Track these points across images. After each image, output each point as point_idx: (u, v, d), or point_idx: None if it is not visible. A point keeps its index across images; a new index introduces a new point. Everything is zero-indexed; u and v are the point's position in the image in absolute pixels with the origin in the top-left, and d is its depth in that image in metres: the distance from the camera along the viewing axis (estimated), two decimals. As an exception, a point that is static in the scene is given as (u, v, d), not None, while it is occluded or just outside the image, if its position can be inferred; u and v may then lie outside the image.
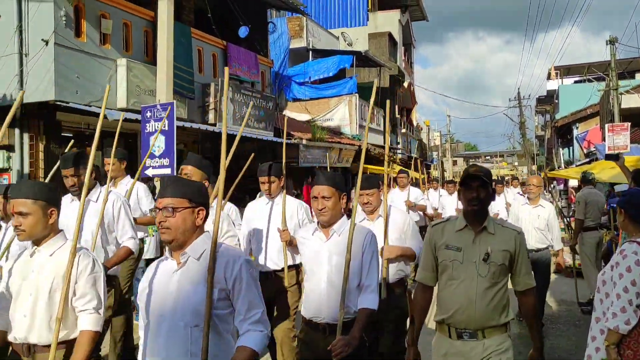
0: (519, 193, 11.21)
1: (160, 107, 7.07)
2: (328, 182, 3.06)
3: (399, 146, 23.39)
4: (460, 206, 10.08)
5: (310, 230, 3.19)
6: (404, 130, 24.81)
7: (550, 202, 8.09)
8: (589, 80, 25.48)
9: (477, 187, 2.66)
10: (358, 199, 3.47)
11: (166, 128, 7.05)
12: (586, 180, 7.10)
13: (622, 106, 14.89)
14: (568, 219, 13.58)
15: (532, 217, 5.85)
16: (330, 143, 13.81)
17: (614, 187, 11.70)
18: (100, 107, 8.05)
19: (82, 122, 8.70)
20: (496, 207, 8.91)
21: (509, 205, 11.02)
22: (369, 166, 16.43)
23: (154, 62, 9.18)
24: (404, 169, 8.58)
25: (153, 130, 7.14)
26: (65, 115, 8.18)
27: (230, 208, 5.71)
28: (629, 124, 12.42)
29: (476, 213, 2.69)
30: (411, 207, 8.20)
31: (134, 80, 8.69)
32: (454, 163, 56.59)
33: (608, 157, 5.95)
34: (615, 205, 3.17)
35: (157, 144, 7.15)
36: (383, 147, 19.70)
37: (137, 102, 8.71)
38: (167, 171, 7.04)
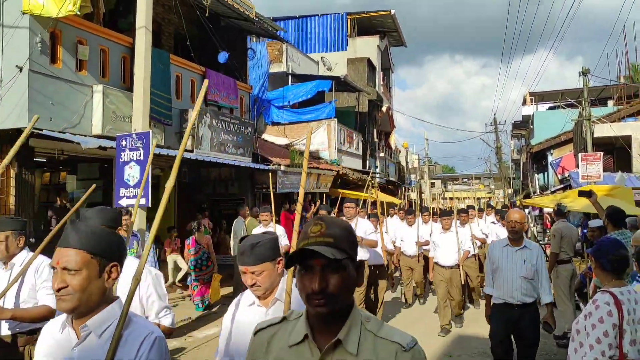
0: (493, 222, 10.96)
1: (136, 137, 6.99)
2: (256, 259, 2.30)
3: (378, 170, 23.50)
4: (423, 239, 9.26)
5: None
6: (382, 154, 24.96)
7: (537, 240, 8.13)
8: (563, 107, 26.07)
9: (321, 272, 1.43)
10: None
11: (141, 157, 6.98)
12: (560, 213, 7.20)
13: (595, 135, 15.21)
14: (543, 245, 13.74)
15: (515, 264, 4.54)
16: (309, 169, 13.80)
17: (588, 216, 11.91)
18: (75, 134, 7.96)
19: (55, 148, 8.54)
20: (462, 237, 8.06)
21: (483, 241, 10.15)
22: (347, 191, 16.45)
23: (131, 88, 9.07)
24: (351, 200, 7.85)
25: (128, 159, 7.05)
26: (39, 141, 8.03)
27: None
28: (602, 153, 12.69)
29: (327, 316, 1.44)
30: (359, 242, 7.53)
31: (110, 106, 8.59)
32: (432, 185, 56.99)
33: (581, 193, 6.02)
34: (588, 237, 3.18)
35: (132, 173, 7.06)
36: (361, 172, 19.78)
37: (113, 129, 8.60)
38: (142, 201, 6.93)
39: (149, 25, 7.29)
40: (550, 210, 18.39)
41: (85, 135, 8.27)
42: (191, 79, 11.01)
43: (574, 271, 6.96)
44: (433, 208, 14.07)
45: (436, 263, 7.91)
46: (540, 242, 13.93)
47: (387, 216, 12.37)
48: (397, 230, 10.14)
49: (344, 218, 6.90)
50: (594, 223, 6.43)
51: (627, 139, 15.70)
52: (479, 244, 9.92)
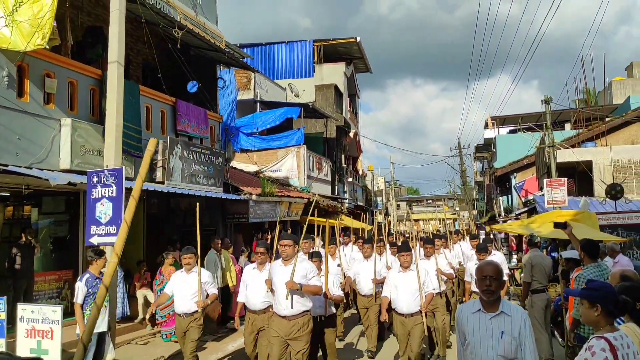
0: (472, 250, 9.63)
1: (108, 173, 6.82)
2: None
3: (346, 195, 23.60)
4: (381, 275, 8.11)
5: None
6: (350, 179, 25.11)
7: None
8: (523, 131, 26.88)
9: None
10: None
11: (114, 194, 6.81)
12: (532, 243, 7.37)
13: (557, 160, 15.67)
14: (511, 270, 13.96)
15: (491, 337, 3.33)
16: (280, 197, 13.75)
17: (554, 241, 12.19)
18: (42, 169, 7.72)
19: (21, 183, 8.27)
20: (425, 276, 6.63)
21: (451, 277, 8.83)
22: (317, 218, 16.42)
23: (100, 121, 8.92)
24: (288, 236, 6.27)
25: (100, 196, 6.86)
26: (4, 176, 7.75)
27: None
28: (566, 179, 13.09)
29: None
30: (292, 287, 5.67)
31: (78, 140, 8.38)
32: (397, 207, 57.56)
33: (556, 225, 6.17)
34: (580, 294, 3.20)
35: (104, 210, 6.87)
36: (331, 199, 19.82)
37: (81, 163, 8.39)
38: (114, 239, 6.72)
39: (121, 60, 7.19)
40: (516, 234, 18.84)
41: (53, 170, 8.03)
42: (161, 110, 10.88)
43: (548, 300, 7.09)
44: (394, 234, 14.03)
45: (394, 310, 6.55)
46: (508, 264, 14.16)
47: (342, 245, 10.98)
48: (354, 263, 8.89)
49: (280, 260, 5.88)
50: (567, 254, 6.59)
51: (588, 164, 16.25)
52: (445, 278, 8.50)
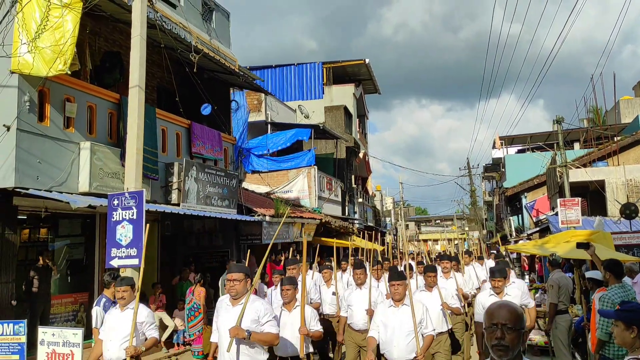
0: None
1: (129, 195, 6.89)
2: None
3: (356, 215, 23.58)
4: (379, 304, 6.04)
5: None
6: (360, 200, 25.11)
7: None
8: (532, 150, 26.88)
9: None
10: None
11: (134, 217, 6.86)
12: (556, 264, 7.33)
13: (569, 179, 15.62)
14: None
15: None
16: (293, 218, 13.76)
17: (569, 261, 12.09)
18: (62, 192, 7.80)
19: (40, 206, 8.35)
20: (421, 314, 5.23)
21: (458, 312, 7.13)
22: (329, 239, 16.39)
23: (118, 144, 9.04)
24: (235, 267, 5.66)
25: (120, 218, 6.92)
26: (24, 199, 7.84)
27: None
28: (580, 199, 13.04)
29: None
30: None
31: (97, 163, 8.48)
32: (406, 227, 57.37)
33: (579, 245, 6.15)
34: (616, 317, 3.19)
35: (124, 233, 6.92)
36: (342, 219, 19.81)
37: (100, 186, 8.47)
38: (135, 262, 6.77)
39: (142, 84, 7.30)
40: (527, 254, 18.71)
41: (72, 193, 8.12)
42: (176, 132, 10.99)
43: (571, 322, 7.03)
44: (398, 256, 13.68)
45: (383, 356, 5.31)
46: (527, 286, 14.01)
47: (339, 270, 10.12)
48: (345, 292, 7.34)
49: (228, 298, 4.74)
50: (590, 274, 6.55)
51: (601, 183, 16.19)
52: (460, 305, 7.32)
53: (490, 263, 10.52)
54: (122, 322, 5.32)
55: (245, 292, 4.55)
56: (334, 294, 7.94)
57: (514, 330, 2.30)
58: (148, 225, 6.24)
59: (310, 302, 7.41)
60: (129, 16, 7.98)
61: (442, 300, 6.47)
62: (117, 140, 9.14)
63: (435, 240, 49.97)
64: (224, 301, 4.76)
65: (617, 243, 10.86)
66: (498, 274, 5.95)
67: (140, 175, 7.42)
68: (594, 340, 5.52)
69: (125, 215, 6.84)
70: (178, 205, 10.24)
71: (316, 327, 5.29)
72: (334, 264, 9.04)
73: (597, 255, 5.83)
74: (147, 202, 9.39)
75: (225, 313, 4.59)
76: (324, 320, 7.60)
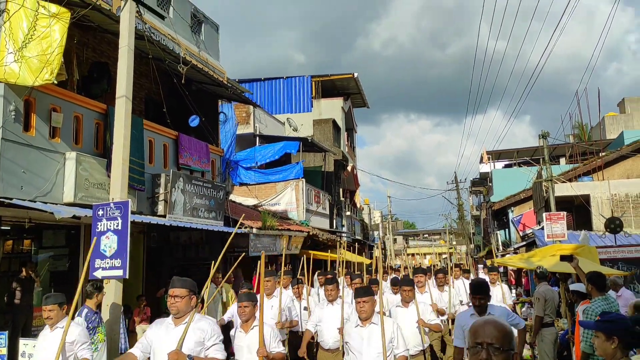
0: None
1: (114, 206, 6.84)
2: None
3: (344, 229, 23.57)
4: (345, 323, 5.36)
5: None
6: (348, 213, 25.12)
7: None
8: (519, 165, 27.12)
9: None
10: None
11: (119, 227, 6.80)
12: (542, 276, 7.36)
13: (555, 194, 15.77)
14: (513, 304, 13.86)
15: None
16: (280, 231, 13.72)
17: (555, 275, 12.17)
18: (46, 202, 7.72)
19: (24, 216, 8.25)
20: (391, 332, 4.76)
21: (437, 328, 6.35)
22: (316, 252, 16.36)
23: (104, 155, 8.99)
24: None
25: (105, 229, 6.85)
26: (7, 210, 7.74)
27: None
28: (565, 213, 13.16)
29: None
30: None
31: (82, 173, 8.41)
32: (394, 241, 57.42)
33: (563, 258, 6.20)
34: (596, 328, 3.20)
35: (109, 243, 6.86)
36: (330, 232, 19.79)
37: (85, 196, 8.40)
38: (119, 273, 6.71)
39: (129, 95, 7.29)
40: (514, 268, 18.80)
41: (56, 204, 8.03)
42: (164, 143, 10.96)
43: (557, 334, 7.06)
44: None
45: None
46: (514, 300, 14.06)
47: (311, 286, 9.70)
48: (316, 308, 7.00)
49: (170, 317, 4.21)
50: (574, 287, 6.59)
51: (586, 198, 16.36)
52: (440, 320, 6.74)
53: (483, 277, 10.42)
54: (51, 343, 5.03)
55: (189, 310, 4.06)
56: (305, 309, 7.65)
57: (501, 352, 1.94)
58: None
59: (287, 320, 7.06)
60: (117, 27, 7.98)
61: (419, 316, 5.96)
62: (104, 150, 9.09)
63: (424, 255, 50.06)
64: (166, 320, 4.23)
65: (602, 257, 10.98)
66: (479, 290, 4.78)
67: (126, 185, 7.38)
68: (579, 352, 5.55)
69: (110, 226, 6.78)
70: (164, 216, 10.18)
71: (277, 348, 4.80)
72: (305, 277, 8.86)
73: (580, 268, 5.88)
74: (133, 213, 9.32)
75: (166, 334, 4.06)
76: (299, 336, 7.36)
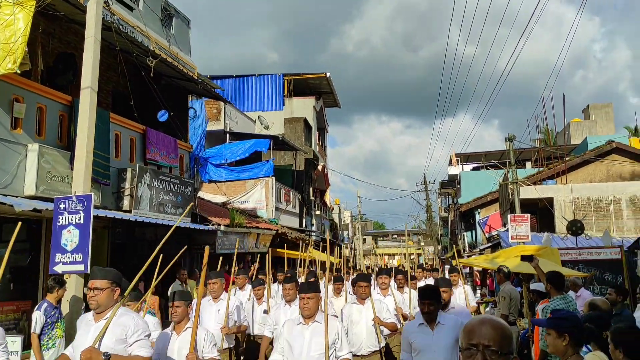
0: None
1: (76, 199, 6.69)
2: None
3: (314, 228, 23.59)
4: (286, 321, 4.73)
5: None
6: (318, 212, 25.15)
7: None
8: (487, 168, 27.63)
9: None
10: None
11: (81, 221, 6.66)
12: (508, 275, 7.50)
13: (520, 196, 16.11)
14: (477, 304, 14.10)
15: None
16: (249, 229, 13.65)
17: (519, 275, 12.42)
18: (6, 195, 7.51)
19: (-18, 209, 8.01)
20: (334, 335, 4.32)
21: (393, 328, 6.00)
22: (285, 251, 16.31)
23: (68, 147, 8.79)
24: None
25: (66, 223, 6.70)
26: (-36, 202, 7.50)
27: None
28: (529, 215, 13.45)
29: None
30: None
31: (45, 166, 8.21)
32: (364, 241, 57.79)
33: (523, 258, 6.34)
34: (548, 325, 3.27)
35: (70, 237, 6.70)
36: (299, 231, 19.78)
37: (47, 190, 8.20)
38: (80, 268, 6.56)
39: (94, 86, 7.13)
40: (479, 269, 19.13)
41: (17, 196, 7.83)
42: (131, 137, 10.78)
43: (518, 333, 7.20)
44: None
45: None
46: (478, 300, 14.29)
47: (275, 282, 9.36)
48: (273, 310, 6.48)
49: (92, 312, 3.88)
50: (533, 286, 6.73)
51: (550, 201, 16.75)
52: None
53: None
54: None
55: (113, 303, 3.72)
56: (265, 312, 7.10)
57: (499, 355, 1.72)
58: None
59: (235, 324, 6.43)
60: (84, 17, 7.80)
61: (375, 314, 5.64)
62: (68, 143, 8.89)
63: (392, 255, 50.51)
64: (87, 316, 3.92)
65: (564, 258, 11.23)
66: (428, 295, 4.24)
67: (90, 178, 7.22)
68: (537, 351, 5.68)
69: (72, 220, 6.63)
70: (130, 212, 10.02)
71: (211, 354, 4.39)
72: (268, 278, 7.89)
73: (540, 268, 6.01)
74: (97, 207, 9.15)
75: (86, 332, 3.70)
76: (253, 342, 7.08)
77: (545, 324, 3.34)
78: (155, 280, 5.48)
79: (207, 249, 4.06)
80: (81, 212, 6.64)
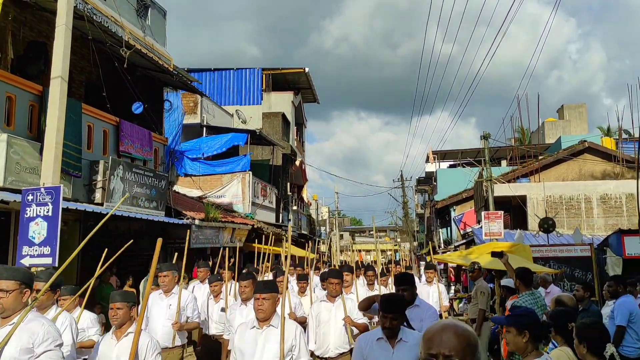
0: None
1: (45, 191, 6.55)
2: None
3: (291, 223, 23.55)
4: (240, 324, 4.29)
5: None
6: (295, 208, 25.11)
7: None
8: (463, 165, 27.92)
9: None
10: None
11: (50, 213, 6.53)
12: (478, 271, 7.59)
13: (494, 194, 16.31)
14: (450, 301, 14.27)
15: None
16: (224, 223, 13.56)
17: (491, 272, 12.59)
18: (-28, 186, 7.32)
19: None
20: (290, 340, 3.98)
21: (363, 328, 5.33)
22: (261, 245, 16.23)
23: (38, 138, 8.60)
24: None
25: (34, 215, 6.56)
26: None
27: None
28: (502, 212, 13.62)
29: None
30: None
31: (14, 157, 8.02)
32: (341, 237, 57.91)
33: (493, 254, 6.41)
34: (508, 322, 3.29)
35: (38, 230, 6.57)
36: (275, 226, 19.72)
37: (15, 181, 8.01)
38: (48, 261, 6.44)
39: (65, 76, 6.99)
40: (454, 265, 19.34)
41: (-16, 187, 7.64)
42: (104, 129, 10.59)
43: (490, 329, 7.30)
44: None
45: None
46: (452, 297, 14.44)
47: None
48: (229, 310, 6.01)
49: None
50: (504, 282, 6.82)
51: (523, 199, 16.99)
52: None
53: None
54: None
55: (21, 307, 3.32)
56: (222, 310, 6.73)
57: None
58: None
59: (187, 320, 6.04)
60: (55, 5, 7.63)
61: (346, 313, 5.31)
62: (38, 134, 8.69)
63: (368, 251, 50.74)
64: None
65: (535, 255, 11.43)
66: (391, 307, 3.68)
67: (59, 170, 7.08)
68: (506, 346, 5.76)
69: (40, 212, 6.50)
70: (102, 204, 9.86)
71: None
72: (227, 274, 7.37)
73: (510, 264, 6.09)
74: (68, 200, 8.98)
75: None
76: (214, 342, 6.69)
77: (505, 322, 3.33)
78: (98, 271, 5.24)
79: (159, 241, 3.68)
80: (50, 204, 6.51)
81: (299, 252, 18.91)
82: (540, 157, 20.23)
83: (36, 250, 6.48)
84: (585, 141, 19.56)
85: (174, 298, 5.95)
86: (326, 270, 8.14)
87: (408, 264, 14.27)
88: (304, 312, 6.46)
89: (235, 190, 18.03)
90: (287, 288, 5.14)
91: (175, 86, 13.99)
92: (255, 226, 15.97)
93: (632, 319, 5.63)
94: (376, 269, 8.35)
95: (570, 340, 3.58)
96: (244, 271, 7.27)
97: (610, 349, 4.01)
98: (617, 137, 23.17)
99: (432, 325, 1.67)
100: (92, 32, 8.80)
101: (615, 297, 5.97)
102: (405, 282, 4.53)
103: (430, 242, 30.16)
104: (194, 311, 6.13)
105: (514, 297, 5.91)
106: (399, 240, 55.36)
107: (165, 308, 5.97)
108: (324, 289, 6.28)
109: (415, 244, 39.83)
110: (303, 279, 7.49)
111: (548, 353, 3.56)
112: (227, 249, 11.95)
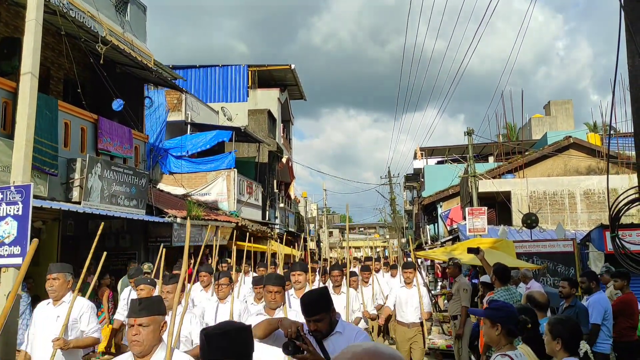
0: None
1: (15, 190, 6.40)
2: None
3: (277, 221, 23.46)
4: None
5: None
6: (282, 205, 25.02)
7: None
8: (450, 162, 27.96)
9: None
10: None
11: (20, 212, 6.39)
12: (459, 268, 7.56)
13: (479, 190, 16.31)
14: (435, 297, 14.27)
15: None
16: (207, 221, 13.43)
17: (476, 268, 12.58)
18: (-58, 185, 7.15)
19: None
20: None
21: (372, 317, 7.12)
22: (247, 243, 16.13)
23: (12, 135, 8.41)
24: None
25: (4, 214, 6.41)
26: None
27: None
28: (486, 208, 13.62)
29: None
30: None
31: (-14, 155, 7.87)
32: (330, 234, 57.87)
33: (470, 250, 6.37)
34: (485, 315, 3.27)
35: (8, 230, 6.43)
36: (261, 224, 19.61)
37: (-12, 180, 7.86)
38: (18, 261, 6.30)
39: (35, 72, 6.83)
40: (441, 261, 19.37)
41: (-45, 186, 7.47)
42: (81, 127, 10.44)
43: (471, 325, 7.26)
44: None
45: None
46: (433, 291, 14.45)
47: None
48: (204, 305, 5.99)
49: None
50: (483, 278, 6.79)
51: (507, 194, 17.01)
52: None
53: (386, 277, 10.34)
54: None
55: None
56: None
57: None
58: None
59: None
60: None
61: (348, 306, 5.37)
62: (11, 131, 8.53)
63: (358, 248, 50.79)
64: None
65: (519, 251, 11.42)
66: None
67: (29, 168, 6.94)
68: (483, 341, 5.71)
69: (10, 211, 6.35)
70: (79, 203, 9.71)
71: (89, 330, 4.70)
72: (184, 274, 6.91)
73: (486, 260, 6.05)
74: (44, 198, 8.84)
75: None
76: None
77: (482, 314, 3.36)
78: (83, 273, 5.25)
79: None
80: (20, 202, 6.37)
81: (286, 249, 18.81)
82: (526, 153, 20.28)
83: (6, 250, 6.33)
84: (570, 137, 19.60)
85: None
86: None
87: (393, 262, 14.09)
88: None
89: (220, 188, 17.90)
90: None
91: (156, 83, 13.84)
92: (239, 224, 15.85)
93: (606, 317, 5.63)
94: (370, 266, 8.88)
95: (527, 338, 3.55)
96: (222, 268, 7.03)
97: (584, 346, 3.98)
98: (602, 133, 23.27)
99: (345, 350, 1.22)
100: (65, 28, 8.64)
101: (589, 293, 5.95)
102: (317, 310, 3.11)
103: (417, 239, 30.21)
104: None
105: (491, 293, 5.87)
106: (387, 236, 55.45)
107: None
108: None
109: (404, 240, 39.87)
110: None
111: None
112: (215, 247, 11.84)
